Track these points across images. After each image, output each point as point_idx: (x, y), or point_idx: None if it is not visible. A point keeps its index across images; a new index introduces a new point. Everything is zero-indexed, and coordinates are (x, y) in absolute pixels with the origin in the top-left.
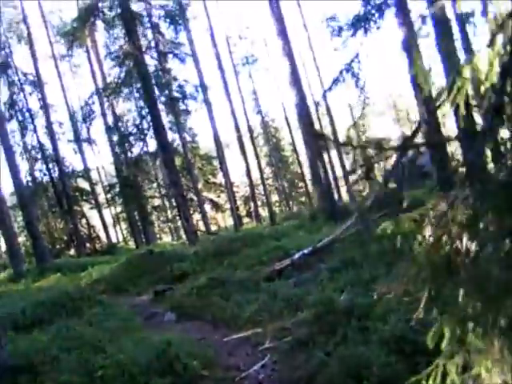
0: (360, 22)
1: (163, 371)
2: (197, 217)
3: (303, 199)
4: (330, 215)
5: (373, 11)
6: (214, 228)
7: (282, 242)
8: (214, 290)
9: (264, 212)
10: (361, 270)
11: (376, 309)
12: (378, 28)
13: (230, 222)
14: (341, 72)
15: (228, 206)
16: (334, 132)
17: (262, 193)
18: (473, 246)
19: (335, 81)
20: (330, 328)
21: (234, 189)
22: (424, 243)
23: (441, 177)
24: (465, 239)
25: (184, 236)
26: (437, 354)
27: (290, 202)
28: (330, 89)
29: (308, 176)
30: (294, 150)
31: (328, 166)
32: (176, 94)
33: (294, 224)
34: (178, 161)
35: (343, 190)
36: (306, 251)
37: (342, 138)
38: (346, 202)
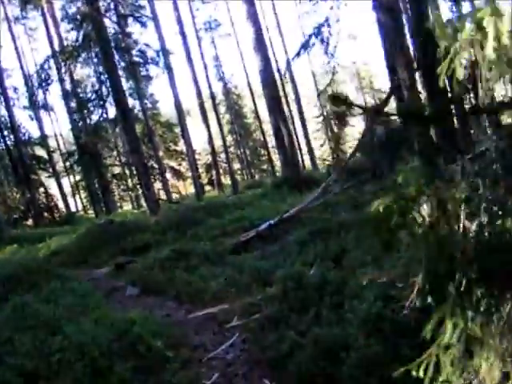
0: None
1: (126, 353)
2: (158, 185)
3: (265, 167)
4: (294, 184)
5: None
6: (175, 196)
7: (246, 211)
8: (178, 263)
9: (226, 180)
10: (330, 242)
11: (349, 285)
12: None
13: (191, 189)
14: (310, 36)
15: (189, 174)
16: (298, 99)
17: (224, 161)
18: (473, 226)
19: (304, 46)
20: (302, 305)
21: (196, 156)
22: (420, 223)
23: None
24: (462, 217)
25: (145, 205)
26: (418, 334)
27: (252, 170)
28: (298, 54)
29: (271, 144)
30: (257, 117)
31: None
32: (137, 59)
33: (257, 193)
34: (138, 128)
35: (306, 158)
36: (271, 222)
37: (306, 105)
38: (309, 171)
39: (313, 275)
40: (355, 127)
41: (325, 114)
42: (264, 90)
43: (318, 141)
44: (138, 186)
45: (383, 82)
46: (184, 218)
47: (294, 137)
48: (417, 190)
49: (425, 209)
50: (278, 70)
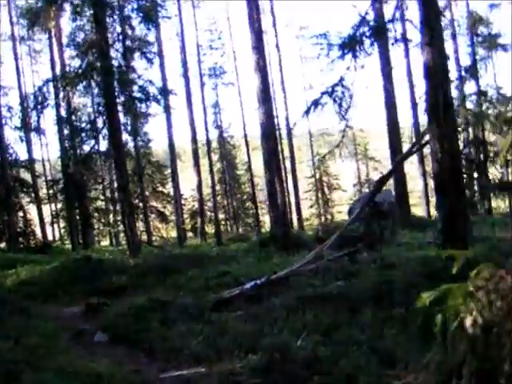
0: (352, 43)
1: None
2: (140, 225)
3: (250, 221)
4: (282, 244)
5: (367, 33)
6: (156, 238)
7: (231, 266)
8: (154, 314)
9: (209, 229)
10: (320, 312)
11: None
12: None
13: (173, 233)
14: (322, 94)
15: (174, 217)
16: (293, 158)
17: (211, 209)
18: None
19: (315, 103)
20: (288, 382)
21: (182, 201)
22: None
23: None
24: None
25: (124, 243)
26: None
27: (239, 223)
28: (307, 111)
29: (259, 198)
30: (249, 170)
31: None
32: (138, 95)
33: (242, 248)
34: (129, 165)
35: (293, 218)
36: (258, 282)
37: (298, 165)
38: (298, 231)
39: (301, 347)
40: (347, 192)
41: (317, 175)
42: (263, 144)
43: (306, 201)
44: (120, 224)
45: (378, 151)
46: (165, 264)
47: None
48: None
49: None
50: (278, 125)
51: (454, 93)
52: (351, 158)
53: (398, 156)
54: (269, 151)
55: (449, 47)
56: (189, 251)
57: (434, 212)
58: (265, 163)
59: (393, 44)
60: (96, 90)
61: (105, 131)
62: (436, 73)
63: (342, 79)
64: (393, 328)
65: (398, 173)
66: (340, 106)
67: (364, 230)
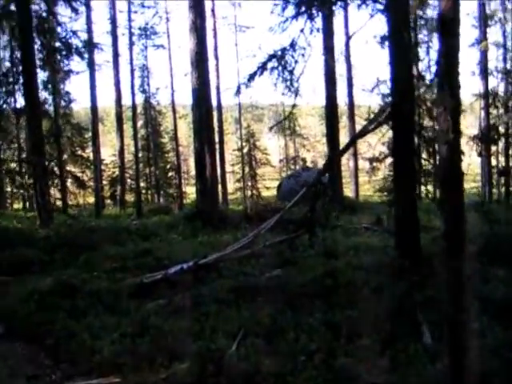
0: (310, 1)
1: None
2: (55, 190)
3: (172, 191)
4: (208, 219)
5: None
6: (72, 204)
7: (153, 244)
8: (62, 301)
9: (129, 197)
10: (257, 308)
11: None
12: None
13: (91, 200)
14: (270, 57)
15: (92, 184)
16: (221, 130)
17: (132, 177)
18: None
19: (262, 67)
20: None
21: (102, 167)
22: None
23: None
24: None
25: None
26: None
27: (160, 193)
28: (253, 75)
29: (183, 169)
30: (175, 139)
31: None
32: (59, 46)
33: (165, 221)
34: (46, 125)
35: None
36: (184, 266)
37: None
38: (223, 206)
39: (240, 356)
40: (275, 168)
41: (246, 149)
42: (194, 112)
43: (232, 175)
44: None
45: (306, 128)
46: (79, 237)
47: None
48: None
49: None
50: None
51: None
52: (279, 134)
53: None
54: (200, 120)
55: None
56: (106, 224)
57: (362, 193)
58: (195, 132)
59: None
60: (11, 37)
61: (20, 86)
62: (400, 45)
63: (294, 42)
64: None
65: (331, 150)
66: (291, 72)
67: (307, 214)
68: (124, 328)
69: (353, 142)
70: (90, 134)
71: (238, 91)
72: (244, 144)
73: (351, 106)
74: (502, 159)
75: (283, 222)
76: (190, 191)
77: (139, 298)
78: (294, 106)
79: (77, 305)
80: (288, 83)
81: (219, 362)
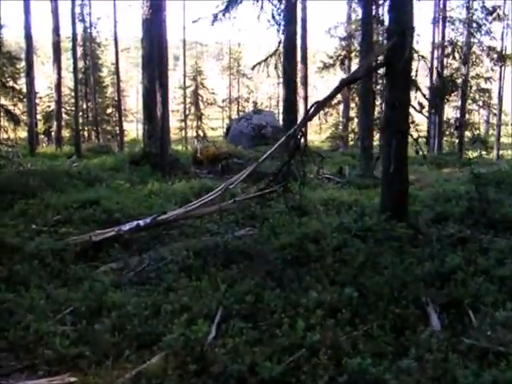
0: None
1: None
2: None
3: (110, 128)
4: (156, 163)
5: None
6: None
7: (99, 192)
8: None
9: (64, 134)
10: (232, 278)
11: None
12: None
13: (23, 134)
14: None
15: (25, 118)
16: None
17: (68, 112)
18: None
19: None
20: None
21: (37, 101)
22: None
23: None
24: None
25: None
26: None
27: (99, 131)
28: (232, 4)
29: (128, 106)
30: (116, 73)
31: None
32: None
33: (109, 164)
34: None
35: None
36: (141, 223)
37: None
38: (176, 151)
39: (225, 347)
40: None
41: (192, 87)
42: (144, 44)
43: (175, 114)
44: None
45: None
46: (12, 182)
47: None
48: None
49: None
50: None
51: None
52: (223, 72)
53: (341, 79)
54: (151, 53)
55: None
56: (43, 167)
57: (309, 138)
58: (144, 67)
59: None
60: None
61: None
62: None
63: None
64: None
65: (288, 93)
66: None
67: (283, 166)
68: (76, 305)
69: (339, 90)
70: (24, 63)
71: (216, 19)
72: (191, 82)
73: (305, 48)
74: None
75: (252, 175)
76: (129, 128)
77: (88, 259)
78: (280, 43)
79: (15, 271)
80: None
81: (201, 356)
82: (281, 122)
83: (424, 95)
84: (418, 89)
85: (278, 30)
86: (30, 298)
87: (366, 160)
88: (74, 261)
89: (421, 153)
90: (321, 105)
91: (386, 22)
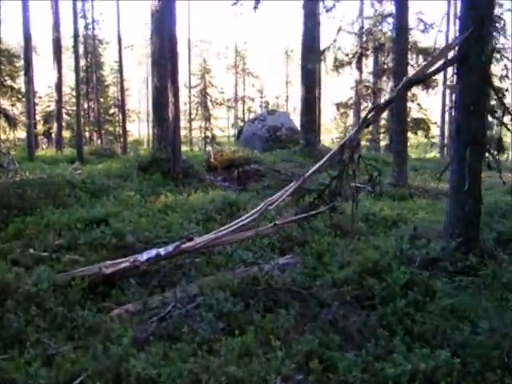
0: None
1: None
2: None
3: (111, 129)
4: (167, 169)
5: None
6: None
7: (107, 207)
8: None
9: (64, 135)
10: (288, 332)
11: None
12: None
13: (21, 135)
14: None
15: (23, 119)
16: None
17: (69, 112)
18: None
19: None
20: None
21: (36, 100)
22: None
23: None
24: None
25: None
26: None
27: (102, 132)
28: None
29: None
30: (120, 71)
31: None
32: None
33: (114, 171)
34: None
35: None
36: (161, 251)
37: None
38: (188, 156)
39: None
40: (232, 109)
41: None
42: (154, 39)
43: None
44: None
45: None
46: (8, 196)
47: None
48: None
49: None
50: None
51: None
52: (228, 71)
53: (404, 78)
54: (162, 49)
55: None
56: (43, 175)
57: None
58: (154, 63)
59: None
60: None
61: None
62: None
63: None
64: None
65: (307, 93)
66: None
67: (330, 182)
68: (88, 372)
69: (404, 90)
70: (22, 62)
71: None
72: (198, 81)
73: (318, 46)
74: None
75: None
76: (131, 129)
77: (98, 298)
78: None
79: (7, 323)
80: None
81: None
82: (295, 123)
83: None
84: (497, 91)
85: None
86: (26, 363)
87: (399, 166)
88: (81, 300)
89: (493, 165)
90: (381, 109)
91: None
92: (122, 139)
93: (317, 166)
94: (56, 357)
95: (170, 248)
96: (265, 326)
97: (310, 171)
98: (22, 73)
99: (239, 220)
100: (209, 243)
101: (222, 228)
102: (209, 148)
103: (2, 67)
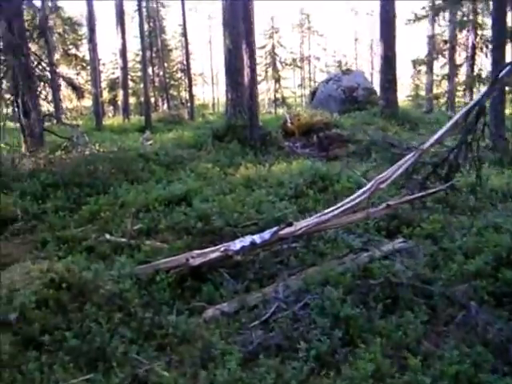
0: None
1: None
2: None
3: (175, 94)
4: (243, 137)
5: None
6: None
7: (185, 183)
8: (54, 318)
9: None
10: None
11: None
12: None
13: (87, 103)
14: None
15: (89, 88)
16: None
17: (134, 79)
18: None
19: None
20: None
21: (100, 68)
22: None
23: None
24: None
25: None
26: None
27: (168, 98)
28: None
29: (198, 70)
30: (184, 34)
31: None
32: None
33: (186, 140)
34: (27, 16)
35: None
36: (257, 239)
37: None
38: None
39: None
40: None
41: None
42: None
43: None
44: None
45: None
46: (79, 173)
47: None
48: None
49: None
50: None
51: None
52: (292, 30)
53: None
54: (233, 4)
55: None
56: (113, 149)
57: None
58: (225, 23)
59: None
60: None
61: None
62: None
63: None
64: None
65: (387, 49)
66: None
67: (449, 154)
68: None
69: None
70: (85, 30)
71: None
72: (266, 42)
73: None
74: None
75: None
76: (196, 92)
77: (186, 295)
78: None
79: (87, 331)
80: None
81: None
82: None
83: None
84: None
85: None
86: None
87: (497, 128)
88: (168, 298)
89: None
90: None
91: None
92: (188, 104)
93: (437, 135)
94: (149, 376)
95: (267, 235)
96: (391, 334)
97: (429, 142)
98: (85, 41)
99: (346, 201)
100: (311, 228)
101: (326, 211)
102: (284, 111)
103: (66, 36)
